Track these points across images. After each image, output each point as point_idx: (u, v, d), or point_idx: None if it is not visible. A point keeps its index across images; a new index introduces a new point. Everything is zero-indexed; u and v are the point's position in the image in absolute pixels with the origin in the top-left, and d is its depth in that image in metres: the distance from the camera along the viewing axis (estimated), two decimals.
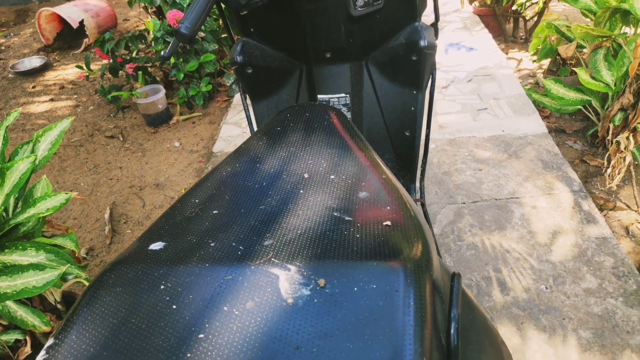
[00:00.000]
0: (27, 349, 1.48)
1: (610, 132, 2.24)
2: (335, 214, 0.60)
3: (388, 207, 0.61)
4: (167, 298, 0.48)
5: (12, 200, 1.37)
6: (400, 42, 1.25)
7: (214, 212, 0.63)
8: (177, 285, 0.49)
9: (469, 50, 3.21)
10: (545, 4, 3.28)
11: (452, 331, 0.47)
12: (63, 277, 1.45)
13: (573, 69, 2.71)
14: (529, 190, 2.07)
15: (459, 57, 3.17)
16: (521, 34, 3.77)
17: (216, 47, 2.81)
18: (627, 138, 2.01)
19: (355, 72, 1.38)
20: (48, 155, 1.43)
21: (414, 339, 0.42)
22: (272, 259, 0.51)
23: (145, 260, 0.53)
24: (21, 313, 1.30)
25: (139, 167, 2.72)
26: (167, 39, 2.90)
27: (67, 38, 4.50)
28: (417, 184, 1.60)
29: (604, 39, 2.20)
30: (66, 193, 1.29)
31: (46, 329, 1.31)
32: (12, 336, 1.41)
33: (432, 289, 0.48)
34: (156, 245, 0.57)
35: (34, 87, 3.86)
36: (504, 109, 2.61)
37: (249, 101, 1.40)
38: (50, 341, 0.46)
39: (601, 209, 2.07)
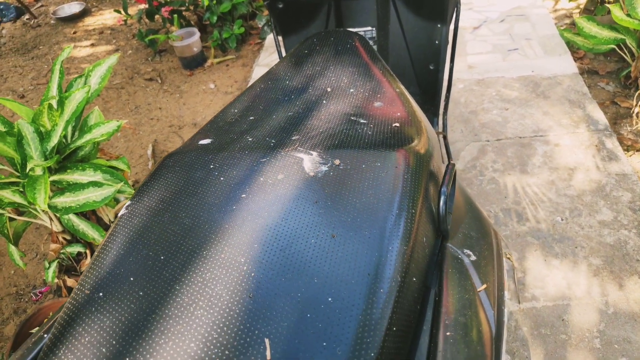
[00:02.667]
0: (88, 261, 1.69)
1: None
2: (352, 118, 0.70)
3: (398, 114, 0.71)
4: (216, 172, 0.60)
5: (70, 128, 1.53)
6: None
7: (251, 118, 0.75)
8: (222, 165, 0.61)
9: None
10: None
11: (440, 203, 0.58)
12: (115, 199, 1.63)
13: (609, 6, 2.63)
14: (553, 129, 2.10)
15: None
16: None
17: None
18: None
19: (381, 6, 1.43)
20: (99, 89, 1.57)
21: (407, 198, 0.53)
22: (298, 148, 0.63)
23: (196, 150, 0.66)
24: (83, 227, 1.49)
25: (177, 108, 2.87)
26: None
27: None
28: (440, 117, 1.68)
29: None
30: (117, 120, 1.43)
31: None
32: (75, 249, 1.61)
33: (427, 171, 0.59)
34: (205, 141, 0.69)
35: (74, 33, 4.01)
36: (535, 50, 2.59)
37: (280, 38, 1.49)
38: (129, 202, 0.60)
39: (627, 150, 2.09)
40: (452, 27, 1.49)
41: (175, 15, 3.13)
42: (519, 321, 1.47)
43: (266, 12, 3.18)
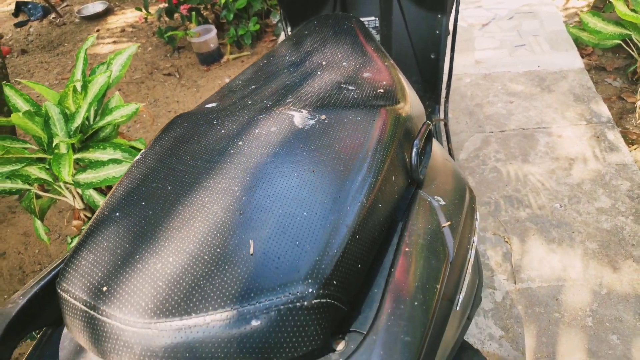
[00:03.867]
0: None
1: None
2: (342, 85, 0.79)
3: (384, 83, 0.79)
4: (218, 127, 0.69)
5: (92, 111, 1.64)
6: None
7: (252, 87, 0.84)
8: (224, 120, 0.70)
9: None
10: None
11: (412, 154, 0.66)
12: None
13: (612, 1, 2.66)
14: (556, 121, 2.15)
15: None
16: None
17: None
18: None
19: None
20: (119, 75, 1.68)
21: (380, 144, 0.61)
22: (291, 107, 0.71)
23: (202, 111, 0.75)
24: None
25: (194, 101, 2.98)
26: None
27: None
28: (442, 105, 1.75)
29: None
30: (136, 104, 1.54)
31: None
32: None
33: (403, 127, 0.68)
34: (210, 105, 0.78)
35: (98, 31, 4.18)
36: (542, 46, 2.63)
37: (289, 29, 1.58)
38: (143, 150, 0.69)
39: (632, 143, 2.13)
40: (452, 18, 1.56)
41: (194, 13, 3.26)
42: (514, 300, 1.52)
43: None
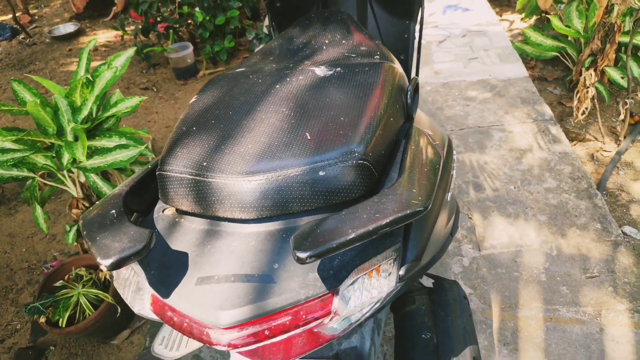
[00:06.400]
0: None
1: (582, 75, 2.60)
2: (346, 54, 1.00)
3: (378, 52, 1.01)
4: (255, 78, 0.88)
5: (94, 106, 1.77)
6: None
7: (270, 59, 1.03)
8: (258, 74, 0.89)
9: (465, 11, 3.56)
10: None
11: (407, 96, 0.87)
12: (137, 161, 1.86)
13: (549, 16, 3.05)
14: (507, 120, 2.45)
15: (455, 17, 3.52)
16: None
17: (240, 4, 3.20)
18: (591, 74, 2.37)
19: (360, 5, 1.76)
20: (118, 75, 1.83)
21: (387, 82, 0.82)
22: (311, 65, 0.91)
23: (235, 72, 0.94)
24: (105, 189, 1.72)
25: (172, 112, 3.12)
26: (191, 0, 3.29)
27: (97, 7, 4.87)
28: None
29: None
30: (139, 97, 1.69)
31: None
32: None
33: (398, 75, 0.89)
34: (239, 70, 0.97)
35: (70, 50, 4.26)
36: (492, 58, 2.97)
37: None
38: (193, 99, 0.87)
39: (572, 140, 2.45)
40: (418, 25, 1.82)
41: (171, 31, 3.43)
42: (480, 264, 1.74)
43: (255, 27, 3.52)
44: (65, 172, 1.70)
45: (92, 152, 1.63)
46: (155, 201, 0.82)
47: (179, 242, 0.71)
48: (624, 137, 2.38)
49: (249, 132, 0.74)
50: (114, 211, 0.70)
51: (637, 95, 2.44)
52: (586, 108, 2.42)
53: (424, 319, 1.00)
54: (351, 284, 0.66)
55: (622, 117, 2.30)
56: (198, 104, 0.84)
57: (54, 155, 1.62)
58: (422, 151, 0.80)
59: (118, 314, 1.63)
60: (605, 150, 2.37)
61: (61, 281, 1.72)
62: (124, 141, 1.63)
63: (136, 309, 0.73)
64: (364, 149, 0.71)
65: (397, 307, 1.06)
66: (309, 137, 0.70)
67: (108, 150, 1.61)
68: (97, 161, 1.61)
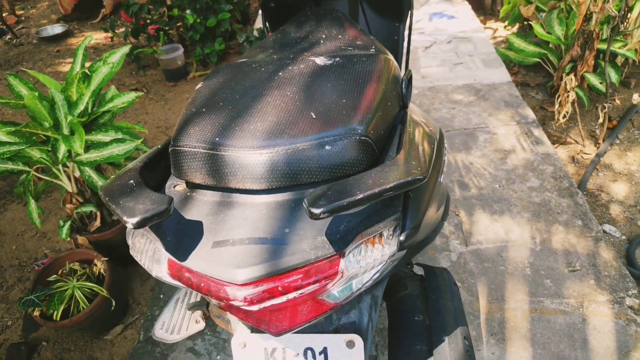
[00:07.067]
0: (97, 223, 1.90)
1: (563, 80, 2.70)
2: (343, 47, 1.05)
3: (373, 46, 1.06)
4: (259, 67, 0.93)
5: (90, 102, 1.79)
6: None
7: (271, 51, 1.08)
8: (262, 64, 0.94)
9: (450, 19, 3.66)
10: None
11: (402, 85, 0.93)
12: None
13: (531, 23, 3.16)
14: (492, 122, 2.53)
15: (440, 24, 3.62)
16: (498, 8, 4.22)
17: (231, 7, 3.25)
18: (571, 79, 2.47)
19: (351, 7, 1.82)
20: (114, 71, 1.85)
21: (383, 71, 0.87)
22: (311, 56, 0.96)
23: (238, 62, 0.98)
24: (100, 183, 1.73)
25: (163, 113, 3.14)
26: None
27: (85, 9, 4.87)
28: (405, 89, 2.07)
29: (558, 0, 2.66)
30: (135, 92, 1.71)
31: None
32: (87, 208, 1.84)
33: (393, 66, 0.94)
34: (242, 60, 1.02)
35: (58, 51, 4.25)
36: (476, 63, 3.06)
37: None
38: (200, 85, 0.91)
39: (554, 143, 2.54)
40: (407, 27, 1.89)
41: (162, 33, 3.45)
42: (467, 259, 1.80)
43: (245, 31, 3.56)
44: (60, 167, 1.71)
45: (88, 146, 1.65)
46: (165, 179, 0.86)
47: (192, 213, 0.76)
48: (603, 140, 2.47)
49: (257, 112, 0.79)
50: (132, 181, 0.74)
51: (615, 100, 2.54)
52: (567, 112, 2.51)
53: (417, 303, 1.04)
54: (356, 246, 0.71)
55: (601, 120, 2.40)
56: (205, 89, 0.89)
57: (50, 149, 1.63)
58: (417, 134, 0.85)
59: (113, 308, 1.64)
60: (586, 153, 2.46)
61: (55, 275, 1.72)
62: (120, 135, 1.65)
63: (154, 273, 0.77)
64: (366, 128, 0.76)
65: (390, 295, 1.11)
66: (314, 117, 0.75)
67: (104, 144, 1.63)
68: (94, 155, 1.63)
